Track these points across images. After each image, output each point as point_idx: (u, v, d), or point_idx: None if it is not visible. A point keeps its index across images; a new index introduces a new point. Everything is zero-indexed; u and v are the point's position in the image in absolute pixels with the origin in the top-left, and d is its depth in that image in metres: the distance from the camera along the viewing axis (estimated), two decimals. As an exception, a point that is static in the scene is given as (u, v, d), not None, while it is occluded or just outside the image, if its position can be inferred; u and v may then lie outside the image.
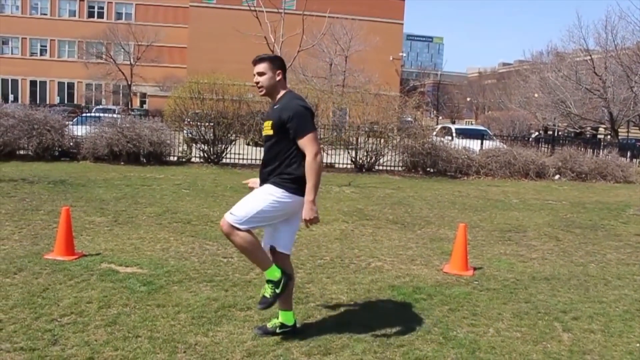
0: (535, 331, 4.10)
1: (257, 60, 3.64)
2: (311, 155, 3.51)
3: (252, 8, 11.57)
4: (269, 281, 3.60)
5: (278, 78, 3.61)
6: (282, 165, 3.56)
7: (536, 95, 34.61)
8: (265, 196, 3.54)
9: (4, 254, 5.35)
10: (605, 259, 6.59)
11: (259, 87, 3.62)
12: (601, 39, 26.82)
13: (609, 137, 28.52)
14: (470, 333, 3.99)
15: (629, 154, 21.39)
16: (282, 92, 3.64)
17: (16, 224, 6.70)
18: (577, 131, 34.14)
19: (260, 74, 3.59)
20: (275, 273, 3.59)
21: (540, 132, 39.23)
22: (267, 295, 3.58)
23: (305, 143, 3.53)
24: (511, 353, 3.68)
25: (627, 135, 35.77)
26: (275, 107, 3.62)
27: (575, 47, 28.61)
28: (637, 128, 34.64)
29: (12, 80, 52.34)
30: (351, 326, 3.99)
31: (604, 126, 32.64)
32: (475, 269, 5.72)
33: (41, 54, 53.41)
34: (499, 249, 6.79)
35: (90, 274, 4.86)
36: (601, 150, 19.88)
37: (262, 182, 3.65)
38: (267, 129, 3.61)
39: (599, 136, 33.65)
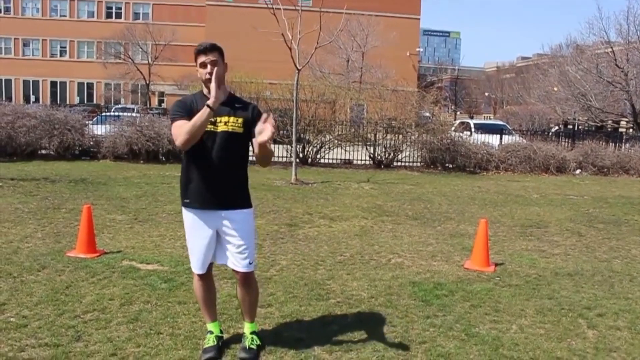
0: (559, 328, 4.04)
1: (210, 49, 3.22)
2: None
3: (269, 5, 11.55)
4: (254, 332, 3.49)
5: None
6: (245, 174, 3.33)
7: (555, 89, 34.17)
8: (253, 225, 3.40)
9: (27, 252, 5.43)
10: (629, 254, 6.47)
11: (209, 78, 3.11)
12: (623, 30, 26.46)
13: (631, 130, 28.05)
14: (493, 329, 3.95)
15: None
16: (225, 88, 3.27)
17: (39, 222, 6.80)
18: (598, 125, 33.61)
19: (214, 62, 3.16)
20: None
21: (560, 126, 38.68)
22: (254, 347, 3.40)
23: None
24: (535, 350, 3.63)
25: (650, 128, 35.07)
26: (236, 105, 3.26)
27: (596, 39, 28.27)
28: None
29: (33, 81, 53.11)
30: (372, 323, 3.98)
31: (625, 119, 32.09)
32: (496, 264, 5.66)
33: (61, 55, 54.06)
34: (520, 245, 6.71)
35: (112, 271, 4.90)
36: (623, 144, 19.54)
37: (227, 196, 3.23)
38: (235, 126, 3.19)
39: (620, 129, 33.09)
